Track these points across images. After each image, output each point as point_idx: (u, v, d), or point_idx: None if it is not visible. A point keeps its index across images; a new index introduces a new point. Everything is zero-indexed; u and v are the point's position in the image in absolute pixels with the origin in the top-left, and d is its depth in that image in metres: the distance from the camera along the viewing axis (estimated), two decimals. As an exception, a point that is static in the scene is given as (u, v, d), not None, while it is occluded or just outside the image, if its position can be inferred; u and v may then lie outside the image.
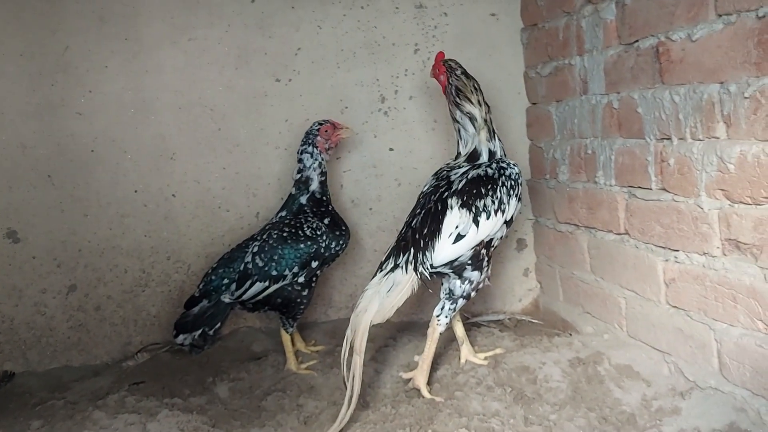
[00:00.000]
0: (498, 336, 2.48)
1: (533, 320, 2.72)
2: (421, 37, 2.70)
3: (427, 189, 2.20)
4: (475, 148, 2.18)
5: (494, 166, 2.14)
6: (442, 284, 2.16)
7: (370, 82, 2.70)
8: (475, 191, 2.07)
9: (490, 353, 2.28)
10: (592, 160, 2.28)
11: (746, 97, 1.61)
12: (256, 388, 2.25)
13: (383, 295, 2.00)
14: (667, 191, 1.93)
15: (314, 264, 2.34)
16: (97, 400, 2.17)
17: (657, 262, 1.99)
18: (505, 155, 2.21)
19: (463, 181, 2.10)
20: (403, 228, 2.16)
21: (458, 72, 2.21)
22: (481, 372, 2.15)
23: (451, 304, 2.12)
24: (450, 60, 2.25)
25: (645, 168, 2.01)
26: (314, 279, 2.39)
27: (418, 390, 2.08)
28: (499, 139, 2.21)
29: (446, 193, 2.09)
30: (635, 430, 1.78)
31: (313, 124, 2.42)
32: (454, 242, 2.04)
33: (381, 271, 2.07)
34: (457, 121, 2.20)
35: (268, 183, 2.66)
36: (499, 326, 2.67)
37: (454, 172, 2.17)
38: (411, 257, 2.05)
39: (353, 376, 1.93)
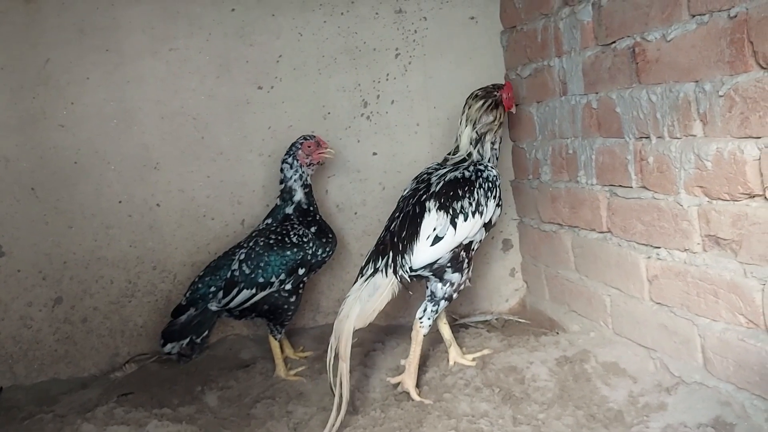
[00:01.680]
0: (485, 337, 2.50)
1: (520, 320, 2.73)
2: (402, 41, 2.72)
3: (407, 193, 2.22)
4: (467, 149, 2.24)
5: (471, 168, 2.17)
6: (427, 287, 2.17)
7: (352, 87, 2.71)
8: (452, 193, 2.09)
9: (478, 354, 2.29)
10: (574, 159, 2.30)
11: (721, 96, 1.63)
12: (245, 395, 2.25)
13: (364, 300, 2.02)
14: (648, 189, 1.95)
15: (301, 271, 2.35)
16: (86, 412, 2.16)
17: (640, 260, 2.01)
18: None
19: (441, 184, 2.13)
20: (382, 232, 2.18)
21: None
22: (469, 373, 2.17)
23: (434, 306, 2.14)
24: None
25: (625, 167, 2.03)
26: (301, 285, 2.40)
27: (408, 393, 2.09)
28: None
29: (424, 196, 2.12)
30: (623, 427, 1.79)
31: (299, 137, 2.43)
32: (432, 244, 2.06)
33: (362, 276, 2.08)
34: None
35: (253, 190, 2.67)
36: (487, 327, 2.69)
37: (435, 175, 2.20)
38: (390, 261, 2.06)
39: (340, 383, 1.94)
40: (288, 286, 2.34)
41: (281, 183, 2.43)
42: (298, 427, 2.04)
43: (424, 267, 2.08)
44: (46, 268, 2.53)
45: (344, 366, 1.96)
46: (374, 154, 2.76)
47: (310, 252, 2.35)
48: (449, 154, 2.29)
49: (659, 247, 1.93)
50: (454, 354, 2.27)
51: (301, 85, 2.67)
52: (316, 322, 2.77)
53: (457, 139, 2.28)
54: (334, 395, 1.95)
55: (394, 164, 2.76)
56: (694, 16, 1.70)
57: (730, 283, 1.69)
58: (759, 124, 1.54)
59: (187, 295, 2.38)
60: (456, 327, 2.56)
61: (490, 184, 2.14)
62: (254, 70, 2.63)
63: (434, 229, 2.06)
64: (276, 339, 2.37)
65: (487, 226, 2.15)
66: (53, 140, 2.50)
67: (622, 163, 2.05)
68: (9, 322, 2.52)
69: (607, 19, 2.05)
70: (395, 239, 2.08)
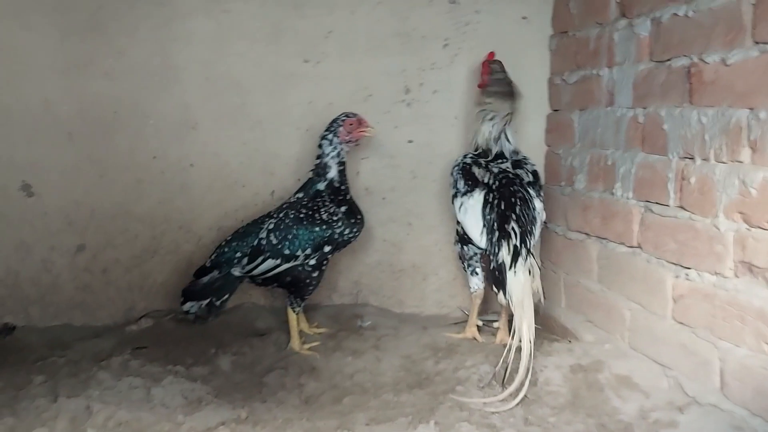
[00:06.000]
0: (498, 336, 2.51)
1: (533, 324, 2.74)
2: (452, 32, 2.71)
3: (494, 179, 2.32)
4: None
5: (530, 162, 2.42)
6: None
7: (397, 72, 2.70)
8: (539, 183, 2.40)
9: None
10: (612, 171, 2.30)
11: (775, 125, 1.63)
12: (258, 363, 2.27)
13: (530, 282, 2.16)
14: (685, 209, 1.95)
15: (327, 248, 2.36)
16: (100, 360, 2.18)
17: (667, 278, 2.02)
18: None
19: (529, 174, 2.38)
20: (507, 215, 2.24)
21: (500, 75, 2.50)
22: (483, 369, 2.18)
23: None
24: (494, 61, 2.50)
25: (665, 184, 2.04)
26: (325, 262, 2.41)
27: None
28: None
29: (523, 183, 2.33)
30: (632, 440, 1.81)
31: (341, 113, 2.43)
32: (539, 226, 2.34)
33: (519, 257, 2.16)
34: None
35: (286, 163, 2.67)
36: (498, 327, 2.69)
37: (507, 164, 2.40)
38: (530, 243, 2.23)
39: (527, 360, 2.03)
40: (312, 261, 2.36)
41: (318, 158, 2.43)
42: (309, 400, 2.05)
43: None
44: (73, 214, 2.54)
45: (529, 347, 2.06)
46: (410, 141, 2.76)
47: (338, 231, 2.36)
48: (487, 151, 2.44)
49: (689, 268, 1.94)
50: (503, 334, 2.42)
51: (347, 63, 2.66)
52: (331, 300, 2.79)
53: (502, 139, 2.45)
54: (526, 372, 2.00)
55: (427, 154, 2.76)
56: (757, 43, 1.70)
57: (759, 310, 1.70)
58: (813, 157, 1.55)
59: (212, 257, 2.40)
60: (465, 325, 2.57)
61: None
62: (303, 43, 2.63)
63: (539, 213, 2.32)
64: (294, 312, 2.38)
65: None
66: (96, 88, 2.51)
67: (662, 180, 2.05)
68: (30, 264, 2.54)
69: (666, 36, 2.05)
70: (527, 224, 2.25)
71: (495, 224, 2.23)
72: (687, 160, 1.95)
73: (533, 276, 2.18)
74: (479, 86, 2.53)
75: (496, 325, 2.54)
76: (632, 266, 2.19)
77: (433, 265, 2.81)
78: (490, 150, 2.42)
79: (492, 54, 2.53)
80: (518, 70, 2.72)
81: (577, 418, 1.90)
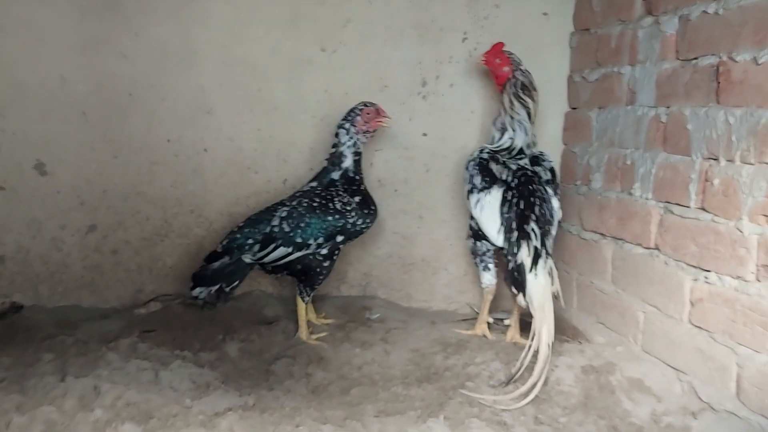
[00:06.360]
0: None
1: (542, 323, 2.71)
2: (471, 26, 2.68)
3: (512, 176, 2.27)
4: (532, 140, 2.38)
5: (547, 158, 2.37)
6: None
7: (414, 64, 2.67)
8: (556, 181, 2.36)
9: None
10: (630, 171, 2.27)
11: (807, 127, 1.60)
12: (266, 351, 2.26)
13: (550, 283, 2.14)
14: (707, 211, 1.92)
15: (339, 238, 2.34)
16: (108, 342, 2.17)
17: (685, 281, 1.98)
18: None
19: (547, 172, 2.33)
20: (526, 214, 2.20)
21: (523, 67, 2.38)
22: (493, 366, 2.16)
23: None
24: (512, 53, 2.39)
25: (686, 185, 2.00)
26: (336, 252, 2.39)
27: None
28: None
29: (541, 182, 2.29)
30: (643, 443, 1.78)
31: (359, 103, 2.41)
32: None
33: (540, 258, 2.13)
34: (512, 114, 2.39)
35: (300, 151, 2.65)
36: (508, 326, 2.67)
37: (524, 161, 2.32)
38: (550, 243, 2.21)
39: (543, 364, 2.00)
40: (324, 251, 2.34)
41: (333, 147, 2.41)
42: (317, 390, 2.04)
43: None
44: (85, 194, 2.53)
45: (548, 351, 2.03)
46: (424, 134, 2.73)
47: (351, 221, 2.34)
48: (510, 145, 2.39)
49: (709, 271, 1.91)
50: (513, 333, 2.40)
51: (364, 53, 2.64)
52: (340, 291, 2.77)
53: (530, 134, 2.42)
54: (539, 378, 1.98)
55: (442, 148, 2.73)
56: (791, 42, 1.67)
57: (781, 316, 1.67)
58: (844, 160, 1.51)
59: (224, 243, 2.37)
60: (475, 321, 2.54)
61: None
62: (321, 31, 2.60)
63: (556, 213, 2.30)
64: (304, 301, 2.36)
65: None
66: (112, 68, 2.49)
67: (684, 181, 2.01)
68: (40, 242, 2.52)
69: (693, 34, 2.01)
70: (545, 224, 2.22)
71: (514, 224, 2.19)
72: (711, 161, 1.92)
73: (553, 278, 2.14)
74: (502, 77, 2.43)
75: (506, 322, 2.51)
76: (649, 268, 2.16)
77: (444, 260, 2.79)
78: (525, 148, 2.37)
79: (502, 44, 2.45)
80: (537, 66, 2.68)
81: (588, 419, 1.88)
